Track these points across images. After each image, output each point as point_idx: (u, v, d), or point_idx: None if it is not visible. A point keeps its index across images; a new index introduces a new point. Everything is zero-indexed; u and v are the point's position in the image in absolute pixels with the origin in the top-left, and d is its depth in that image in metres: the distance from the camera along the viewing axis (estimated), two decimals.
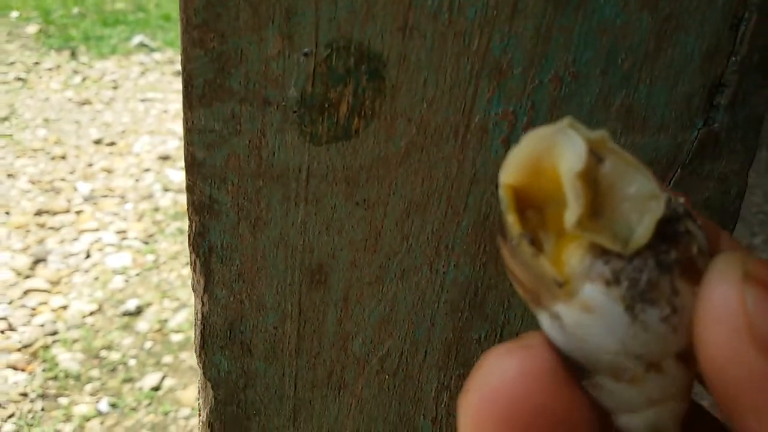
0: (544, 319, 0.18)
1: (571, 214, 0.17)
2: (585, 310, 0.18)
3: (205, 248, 0.33)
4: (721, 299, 0.17)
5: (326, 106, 0.30)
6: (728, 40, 0.31)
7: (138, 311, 2.35)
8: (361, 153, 0.31)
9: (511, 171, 0.19)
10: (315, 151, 0.31)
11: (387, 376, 0.36)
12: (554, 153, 0.18)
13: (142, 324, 2.30)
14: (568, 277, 0.18)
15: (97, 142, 3.40)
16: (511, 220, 0.18)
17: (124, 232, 2.78)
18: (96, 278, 2.52)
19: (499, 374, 0.18)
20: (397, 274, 0.34)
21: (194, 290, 0.34)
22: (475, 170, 0.32)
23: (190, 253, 0.33)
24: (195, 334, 0.35)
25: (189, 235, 0.33)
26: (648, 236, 0.17)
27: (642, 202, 0.18)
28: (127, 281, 2.51)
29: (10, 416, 1.91)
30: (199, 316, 0.34)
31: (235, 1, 0.28)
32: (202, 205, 0.32)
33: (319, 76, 0.30)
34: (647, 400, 0.18)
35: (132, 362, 2.13)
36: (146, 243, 2.73)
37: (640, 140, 0.32)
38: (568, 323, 0.18)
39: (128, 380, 2.06)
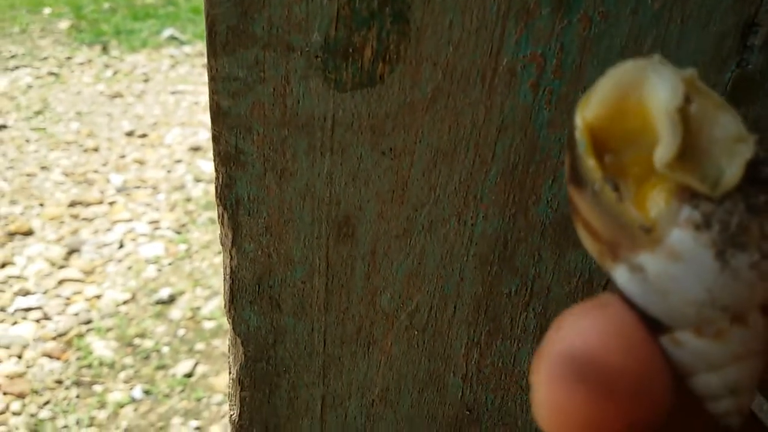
0: (622, 274, 0.18)
1: (666, 151, 0.16)
2: (672, 257, 0.17)
3: (232, 200, 0.32)
4: None
5: (350, 50, 0.30)
6: None
7: (171, 299, 2.38)
8: (386, 100, 0.31)
9: (594, 108, 0.17)
10: (340, 99, 0.31)
11: (416, 332, 0.36)
12: (644, 89, 0.17)
13: (175, 312, 2.33)
14: (654, 222, 0.17)
15: (129, 134, 3.45)
16: (591, 164, 0.17)
17: (156, 222, 2.82)
18: (129, 268, 2.56)
19: (576, 335, 0.17)
20: (425, 226, 0.34)
21: (222, 244, 0.34)
22: (503, 116, 0.31)
23: (217, 206, 0.33)
24: (224, 289, 0.35)
25: (216, 188, 0.32)
26: (738, 178, 0.17)
27: (730, 144, 0.17)
28: (159, 270, 2.54)
29: (46, 403, 1.94)
30: (228, 270, 0.34)
31: None
32: (229, 156, 0.31)
33: (343, 19, 0.29)
34: (730, 356, 0.17)
35: (165, 349, 2.15)
36: (178, 233, 2.76)
37: None
38: (652, 274, 0.17)
39: (161, 367, 2.08)
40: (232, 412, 0.37)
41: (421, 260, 0.35)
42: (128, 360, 2.12)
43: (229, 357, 0.37)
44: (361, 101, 0.31)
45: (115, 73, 4.13)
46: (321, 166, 0.32)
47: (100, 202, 2.94)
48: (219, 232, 0.34)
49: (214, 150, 0.32)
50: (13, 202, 2.85)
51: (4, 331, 2.18)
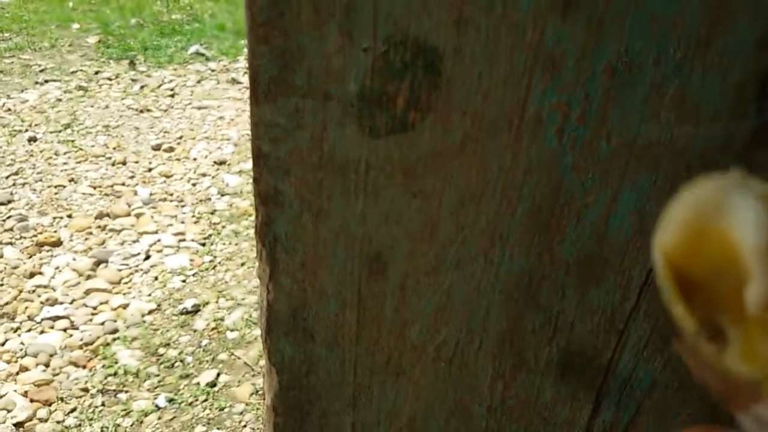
0: (746, 422, 0.16)
1: (756, 294, 0.14)
2: None
3: (270, 238, 0.34)
4: None
5: (384, 99, 0.32)
6: None
7: (195, 310, 2.41)
8: (417, 145, 0.33)
9: (670, 234, 0.16)
10: (374, 144, 0.32)
11: (443, 364, 0.37)
12: (725, 216, 0.15)
13: (199, 322, 2.36)
14: (765, 373, 0.15)
15: (156, 148, 3.50)
16: (680, 312, 0.16)
17: (182, 234, 2.86)
18: (155, 278, 2.59)
19: None
20: (453, 263, 0.35)
21: (260, 278, 0.36)
22: (529, 161, 0.33)
23: (257, 242, 0.35)
24: (261, 321, 0.37)
25: (255, 226, 0.34)
26: None
27: None
28: (184, 281, 2.57)
29: (72, 411, 1.98)
30: (265, 303, 0.36)
31: (296, 0, 0.30)
32: (268, 197, 0.33)
33: (378, 70, 0.31)
34: None
35: (189, 359, 2.18)
36: (203, 245, 2.80)
37: (693, 130, 0.32)
38: None
39: (185, 376, 2.11)
40: None
41: (449, 296, 0.36)
42: (153, 369, 2.15)
43: (264, 385, 0.38)
44: (393, 147, 0.33)
45: (142, 87, 4.20)
46: (355, 207, 0.34)
47: (127, 214, 2.98)
48: (257, 266, 0.36)
49: (254, 190, 0.33)
50: (41, 214, 2.91)
51: (32, 339, 2.22)
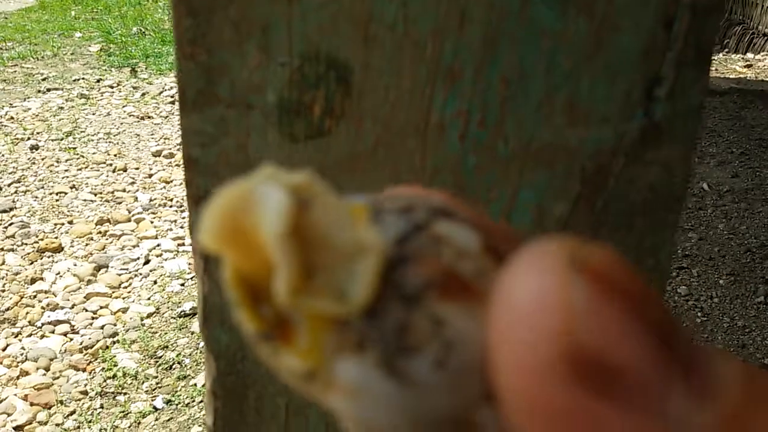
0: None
1: (281, 283, 0.14)
2: (349, 395, 0.14)
3: None
4: (528, 298, 0.12)
5: (301, 108, 0.35)
6: (663, 38, 0.34)
7: (193, 313, 2.44)
8: (334, 149, 0.36)
9: (209, 235, 0.15)
10: (294, 149, 0.36)
11: None
12: (252, 210, 0.15)
13: (197, 325, 2.39)
14: (313, 365, 0.14)
15: (156, 154, 3.55)
16: (242, 316, 0.15)
17: (181, 238, 2.89)
18: (154, 282, 2.63)
19: None
20: None
21: (196, 272, 0.39)
22: (436, 162, 0.36)
23: (191, 238, 0.38)
24: (198, 311, 0.40)
25: (189, 224, 0.37)
26: (370, 284, 0.14)
27: (358, 245, 0.15)
28: (183, 285, 2.61)
29: (71, 413, 2.01)
30: (201, 295, 0.39)
31: (218, 20, 0.33)
32: (199, 197, 0.37)
33: (294, 83, 0.34)
34: None
35: (187, 361, 2.22)
36: None
37: (585, 132, 0.35)
38: (347, 417, 0.15)
39: (183, 378, 2.15)
40: (207, 420, 0.42)
41: None
42: (151, 371, 2.18)
43: (205, 371, 0.41)
44: (312, 151, 0.36)
45: (143, 95, 4.25)
46: None
47: (128, 220, 3.02)
48: (194, 261, 0.39)
49: (187, 192, 0.37)
50: (43, 220, 2.96)
51: (32, 344, 2.26)
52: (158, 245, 2.86)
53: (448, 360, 0.14)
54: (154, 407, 2.04)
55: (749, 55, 5.48)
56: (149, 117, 3.99)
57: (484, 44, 0.34)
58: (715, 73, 5.10)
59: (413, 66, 0.34)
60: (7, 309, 2.42)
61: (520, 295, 0.12)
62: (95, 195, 3.19)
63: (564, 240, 0.13)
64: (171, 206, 3.15)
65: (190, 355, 2.24)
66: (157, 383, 2.14)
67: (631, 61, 0.34)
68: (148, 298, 2.54)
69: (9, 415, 1.98)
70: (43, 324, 2.36)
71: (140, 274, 2.69)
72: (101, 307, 2.49)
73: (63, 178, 3.31)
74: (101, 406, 2.04)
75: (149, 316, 2.44)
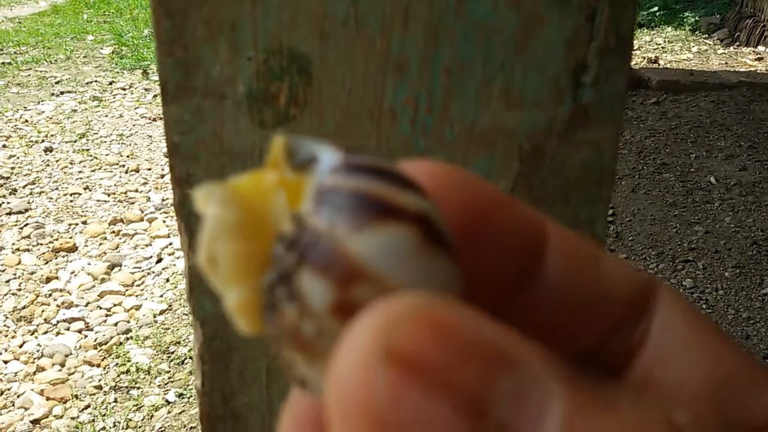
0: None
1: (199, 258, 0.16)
2: None
3: (186, 213, 0.42)
4: (343, 389, 0.13)
5: (269, 98, 0.39)
6: (586, 29, 0.38)
7: None
8: (299, 134, 0.40)
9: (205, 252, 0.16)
10: (264, 134, 0.40)
11: None
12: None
13: None
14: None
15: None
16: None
17: None
18: (167, 280, 2.69)
19: None
20: None
21: (182, 248, 0.44)
22: (390, 145, 0.40)
23: (176, 217, 0.43)
24: (185, 283, 0.45)
25: (174, 204, 0.42)
26: (246, 322, 0.16)
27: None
28: None
29: (86, 407, 2.08)
30: (187, 268, 0.44)
31: (192, 20, 0.38)
32: (181, 179, 0.41)
33: (261, 74, 0.39)
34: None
35: None
36: None
37: (520, 115, 0.39)
38: None
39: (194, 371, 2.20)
40: (196, 383, 0.46)
41: None
42: (164, 366, 2.24)
43: (193, 337, 0.46)
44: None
45: (155, 96, 4.32)
46: None
47: (141, 219, 3.09)
48: (179, 238, 0.44)
49: (171, 175, 0.41)
50: (57, 221, 3.03)
51: (48, 341, 2.33)
52: (170, 244, 2.92)
53: (304, 390, 0.16)
54: (167, 401, 2.09)
55: (760, 48, 5.47)
56: (161, 118, 4.05)
57: (426, 39, 0.38)
58: (726, 66, 5.11)
59: (365, 58, 0.38)
60: (24, 307, 2.49)
61: (336, 387, 0.13)
62: (108, 195, 3.26)
63: (383, 316, 0.13)
64: None
65: None
66: (169, 378, 2.20)
67: (558, 50, 0.38)
68: (161, 296, 2.60)
69: (26, 409, 2.05)
70: (58, 321, 2.42)
71: (153, 272, 2.75)
72: (115, 305, 2.55)
73: (77, 179, 3.38)
74: (115, 400, 2.10)
75: (162, 312, 2.50)
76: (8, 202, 3.15)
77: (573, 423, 0.12)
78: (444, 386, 0.12)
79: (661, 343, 0.17)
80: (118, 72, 4.77)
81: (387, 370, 0.12)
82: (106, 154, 3.64)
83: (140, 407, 2.07)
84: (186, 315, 2.49)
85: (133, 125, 4.00)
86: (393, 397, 0.12)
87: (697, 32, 5.96)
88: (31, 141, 3.75)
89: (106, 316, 2.49)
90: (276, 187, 0.16)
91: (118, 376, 2.20)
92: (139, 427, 2.00)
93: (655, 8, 6.41)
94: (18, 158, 3.56)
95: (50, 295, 2.57)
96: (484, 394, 0.12)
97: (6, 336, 2.35)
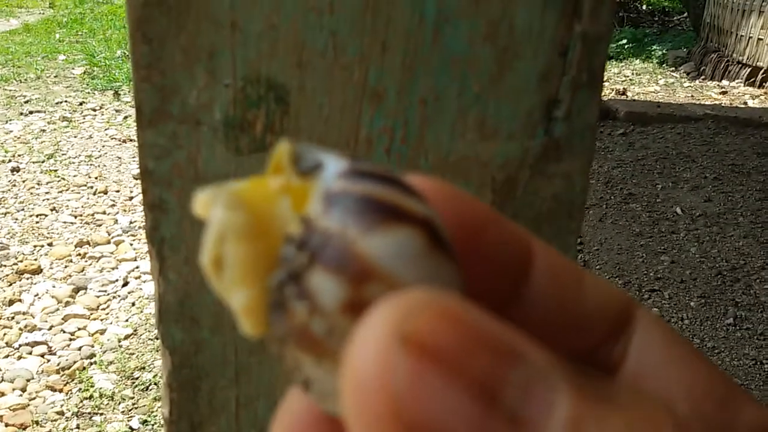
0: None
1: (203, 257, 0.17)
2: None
3: (158, 239, 0.42)
4: (360, 379, 0.13)
5: (245, 125, 0.39)
6: (559, 64, 0.39)
7: None
8: None
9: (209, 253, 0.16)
10: (239, 161, 0.40)
11: None
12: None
13: None
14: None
15: (137, 177, 3.57)
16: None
17: None
18: (132, 304, 2.65)
19: None
20: None
21: (152, 273, 0.43)
22: None
23: (148, 243, 0.42)
24: (155, 310, 0.44)
25: (146, 230, 0.42)
26: (252, 323, 0.16)
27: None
28: None
29: None
30: (157, 295, 0.43)
31: (170, 47, 0.38)
32: (154, 205, 0.41)
33: (238, 102, 0.39)
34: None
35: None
36: None
37: (493, 147, 0.40)
38: None
39: (159, 399, 2.16)
40: (164, 411, 0.46)
41: None
42: (128, 392, 2.20)
43: (161, 365, 0.45)
44: (255, 163, 0.40)
45: (126, 118, 4.29)
46: None
47: (107, 242, 3.04)
48: (150, 263, 0.43)
49: (144, 200, 0.41)
50: (22, 242, 2.97)
51: (9, 365, 2.27)
52: (137, 267, 2.88)
53: (307, 393, 0.16)
54: (131, 427, 2.05)
55: (724, 82, 5.63)
56: (131, 140, 4.02)
57: (403, 69, 0.39)
58: (691, 99, 5.23)
59: (343, 88, 0.39)
60: None
61: (353, 375, 0.13)
62: (75, 217, 3.21)
63: (399, 306, 0.13)
64: None
65: None
66: (133, 404, 2.15)
67: (531, 84, 0.39)
68: (126, 320, 2.55)
69: None
70: (20, 345, 2.36)
71: (119, 296, 2.70)
72: (79, 329, 2.50)
73: (43, 200, 3.33)
74: (77, 427, 2.05)
75: (127, 337, 2.46)
76: None
77: (580, 415, 0.13)
78: (460, 373, 0.13)
79: (642, 359, 0.18)
80: (89, 92, 4.73)
81: (406, 356, 0.13)
82: (74, 176, 3.59)
83: None
84: (151, 340, 2.45)
85: (103, 146, 3.96)
86: (412, 381, 0.12)
87: (664, 65, 6.11)
88: None
89: (70, 340, 2.44)
90: (281, 191, 0.16)
91: (81, 401, 2.15)
92: None
93: (624, 41, 6.56)
94: None
95: (13, 318, 2.51)
96: (496, 382, 0.13)
97: None
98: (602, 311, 0.18)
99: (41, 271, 2.80)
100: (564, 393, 0.13)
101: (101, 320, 2.55)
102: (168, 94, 0.39)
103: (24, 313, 2.53)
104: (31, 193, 3.38)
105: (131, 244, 3.02)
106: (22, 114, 4.31)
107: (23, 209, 3.23)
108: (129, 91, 4.70)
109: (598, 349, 0.18)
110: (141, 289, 2.73)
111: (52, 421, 2.06)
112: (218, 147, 0.40)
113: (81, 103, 4.54)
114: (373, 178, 0.16)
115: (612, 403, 0.14)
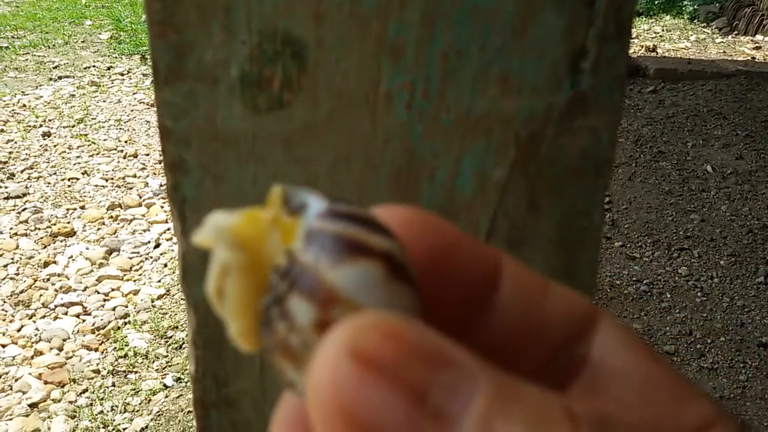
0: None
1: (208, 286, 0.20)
2: None
3: (179, 199, 0.42)
4: (317, 388, 0.16)
5: (262, 82, 0.39)
6: (585, 15, 0.38)
7: None
8: (293, 119, 0.40)
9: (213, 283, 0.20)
10: (257, 119, 0.40)
11: None
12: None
13: None
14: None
15: None
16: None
17: None
18: (164, 265, 2.69)
19: None
20: None
21: (174, 233, 0.43)
22: (386, 130, 0.40)
23: (169, 203, 0.42)
24: (179, 269, 0.44)
25: (167, 189, 0.42)
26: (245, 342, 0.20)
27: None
28: None
29: (84, 391, 2.08)
30: (180, 254, 0.43)
31: (185, 3, 0.37)
32: (174, 164, 0.41)
33: (255, 58, 0.38)
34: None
35: None
36: None
37: (517, 102, 0.39)
38: None
39: None
40: (190, 368, 0.46)
41: None
42: (161, 350, 2.24)
43: (187, 323, 0.46)
44: (273, 121, 0.40)
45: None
46: (246, 172, 0.41)
47: (138, 205, 3.08)
48: (172, 223, 0.43)
49: (164, 160, 0.41)
50: (56, 206, 3.02)
51: (46, 325, 2.33)
52: (168, 229, 2.91)
53: (292, 392, 0.20)
54: (165, 385, 2.10)
55: (758, 37, 5.45)
56: None
57: (423, 23, 0.37)
58: (723, 55, 5.08)
59: (361, 42, 0.38)
60: (22, 292, 2.49)
61: (314, 382, 0.16)
62: (106, 180, 3.25)
63: (352, 327, 0.16)
64: None
65: None
66: (167, 362, 2.20)
67: (556, 36, 0.38)
68: (159, 281, 2.60)
69: (24, 393, 2.05)
70: (56, 306, 2.42)
71: (151, 257, 2.75)
72: (113, 290, 2.55)
73: (75, 164, 3.37)
74: (113, 384, 2.10)
75: (159, 297, 2.50)
76: (6, 187, 3.14)
77: (491, 409, 0.15)
78: (395, 379, 0.15)
79: (601, 360, 0.20)
80: (116, 57, 4.75)
81: (352, 367, 0.15)
82: (105, 140, 3.63)
83: (138, 391, 2.07)
84: (184, 300, 2.49)
85: (132, 110, 3.98)
86: (357, 388, 0.15)
87: (695, 21, 5.93)
88: (29, 126, 3.73)
89: (104, 300, 2.49)
90: (272, 226, 0.20)
91: (116, 360, 2.20)
92: (137, 411, 2.00)
93: None
94: (16, 143, 3.54)
95: (48, 279, 2.57)
96: (425, 385, 0.16)
97: (4, 320, 2.35)
98: (565, 317, 0.21)
99: (75, 233, 2.85)
100: (482, 391, 0.16)
101: (134, 281, 2.59)
102: (184, 51, 0.38)
103: (59, 275, 2.59)
104: (63, 158, 3.42)
105: (162, 207, 3.06)
106: (51, 79, 4.35)
107: (55, 173, 3.28)
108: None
109: (562, 351, 0.21)
110: (173, 250, 2.77)
111: (88, 379, 2.12)
112: (236, 105, 0.39)
113: (109, 68, 4.56)
114: (345, 218, 0.19)
115: (521, 400, 0.16)
